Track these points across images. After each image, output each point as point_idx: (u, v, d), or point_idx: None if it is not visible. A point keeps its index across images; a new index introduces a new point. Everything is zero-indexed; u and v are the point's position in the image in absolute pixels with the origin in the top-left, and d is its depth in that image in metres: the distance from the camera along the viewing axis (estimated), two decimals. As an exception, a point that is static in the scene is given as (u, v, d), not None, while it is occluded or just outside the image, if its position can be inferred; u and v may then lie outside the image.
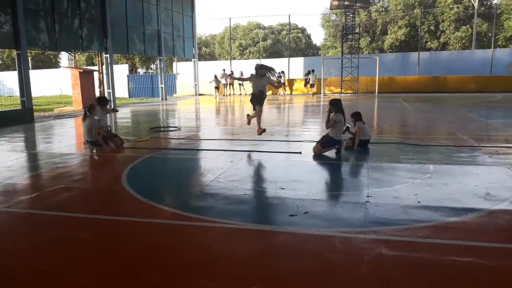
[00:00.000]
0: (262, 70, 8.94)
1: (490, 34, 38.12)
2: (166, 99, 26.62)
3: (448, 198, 4.99)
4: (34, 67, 47.79)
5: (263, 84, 8.97)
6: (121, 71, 35.82)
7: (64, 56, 51.96)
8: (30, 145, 10.55)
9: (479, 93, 24.73)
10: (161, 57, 26.36)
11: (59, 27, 17.22)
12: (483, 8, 39.06)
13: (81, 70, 20.62)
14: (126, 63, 45.10)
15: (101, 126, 8.97)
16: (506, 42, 39.15)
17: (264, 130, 9.14)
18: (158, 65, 27.91)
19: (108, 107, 9.82)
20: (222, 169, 6.75)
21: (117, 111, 12.28)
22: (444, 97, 22.53)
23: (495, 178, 5.83)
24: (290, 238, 3.96)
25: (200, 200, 5.22)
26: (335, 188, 5.96)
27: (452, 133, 10.13)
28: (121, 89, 33.91)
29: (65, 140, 10.73)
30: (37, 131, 12.66)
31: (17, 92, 16.46)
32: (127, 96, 34.66)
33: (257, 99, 9.04)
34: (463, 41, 38.71)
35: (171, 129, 12.17)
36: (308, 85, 28.71)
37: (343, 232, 4.04)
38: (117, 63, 44.90)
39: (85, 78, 20.62)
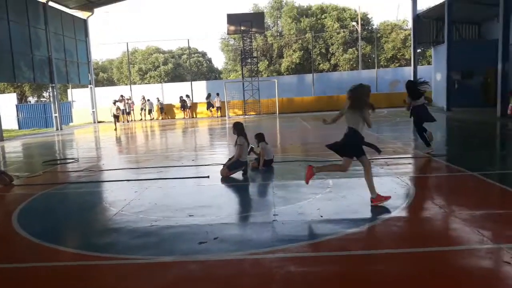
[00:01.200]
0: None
1: (373, 56, 42.02)
2: (61, 129, 24.90)
3: (348, 210, 5.32)
4: None
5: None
6: (8, 100, 32.97)
7: None
8: None
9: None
10: (53, 85, 24.69)
11: None
12: (365, 32, 43.04)
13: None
14: (14, 91, 41.57)
15: None
16: (387, 62, 43.47)
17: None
18: (51, 93, 26.08)
19: None
20: (125, 201, 6.46)
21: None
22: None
23: (387, 188, 6.34)
24: (200, 266, 3.89)
25: (103, 237, 4.92)
26: (243, 209, 6.02)
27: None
28: (10, 120, 31.11)
29: None
30: None
31: None
32: (17, 127, 31.87)
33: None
34: (351, 62, 42.10)
35: (68, 161, 11.38)
36: (214, 109, 29.14)
37: (253, 253, 4.08)
38: (3, 92, 41.24)
39: (-36, 110, 18.50)
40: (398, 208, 5.31)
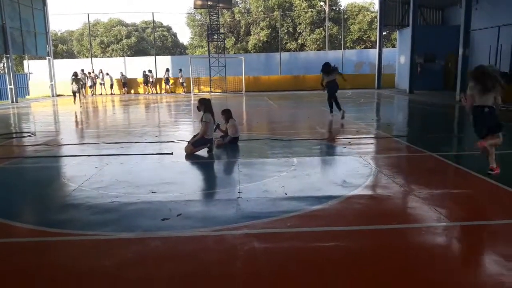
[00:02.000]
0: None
1: (340, 37, 42.32)
2: (17, 102, 23.77)
3: (311, 188, 5.36)
4: None
5: None
6: (-43, 70, 31.05)
7: None
8: None
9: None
10: (8, 55, 23.41)
11: None
12: (333, 13, 43.17)
13: None
14: (-35, 61, 39.19)
15: None
16: (353, 44, 43.91)
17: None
18: (5, 63, 24.75)
19: None
20: (85, 176, 6.25)
21: None
22: (303, 95, 24.33)
23: (349, 167, 6.45)
24: (163, 243, 3.83)
25: (62, 213, 4.75)
26: (208, 187, 5.96)
27: (312, 128, 10.95)
28: (-41, 91, 29.41)
29: None
30: None
31: None
32: (-33, 99, 30.15)
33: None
34: (318, 42, 42.25)
35: (24, 135, 10.89)
36: (170, 84, 29.43)
37: (217, 230, 4.05)
38: (-49, 61, 38.76)
39: None
40: (360, 186, 5.40)
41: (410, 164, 7.09)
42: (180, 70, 28.78)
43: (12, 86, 23.76)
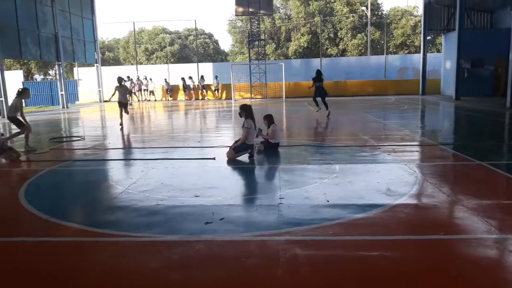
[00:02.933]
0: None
1: (382, 42, 41.55)
2: (67, 107, 24.92)
3: (354, 196, 5.29)
4: None
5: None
6: (15, 77, 32.92)
7: None
8: None
9: (376, 96, 26.76)
10: (59, 63, 24.61)
11: None
12: (375, 18, 42.47)
13: (-35, 77, 18.49)
14: (21, 68, 41.50)
15: None
16: (396, 48, 42.98)
17: None
18: (57, 70, 26.01)
19: None
20: (132, 180, 6.47)
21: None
22: (345, 101, 24.04)
23: (394, 175, 6.31)
24: (206, 246, 3.89)
25: (109, 214, 4.94)
26: (249, 192, 6.01)
27: (354, 134, 10.79)
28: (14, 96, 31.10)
29: None
30: None
31: None
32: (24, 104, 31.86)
33: None
34: (360, 47, 41.65)
35: (74, 139, 11.40)
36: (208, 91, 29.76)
37: (259, 235, 4.08)
38: (9, 68, 41.15)
39: (-29, 85, 18.52)
40: (405, 195, 5.27)
41: (457, 173, 6.85)
42: (216, 77, 29.34)
43: (63, 92, 24.94)
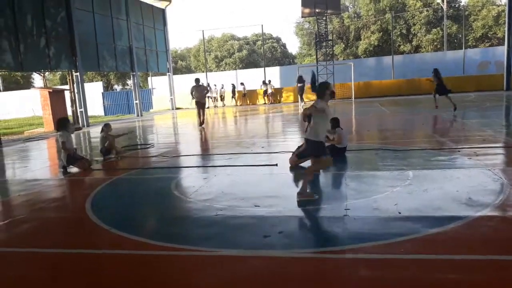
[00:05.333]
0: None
1: (460, 35, 38.90)
2: (141, 115, 26.10)
3: (429, 206, 4.75)
4: (6, 89, 46.71)
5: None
6: (95, 88, 35.25)
7: (37, 76, 50.79)
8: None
9: (454, 93, 24.91)
10: (134, 73, 25.88)
11: (24, 46, 16.64)
12: (451, 10, 39.87)
13: (51, 90, 20.00)
14: (101, 80, 44.41)
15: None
16: (475, 42, 40.01)
17: None
18: (132, 80, 27.38)
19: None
20: (194, 188, 6.41)
21: (80, 128, 11.75)
22: (419, 99, 22.65)
23: (476, 181, 5.63)
24: (263, 263, 3.63)
25: (169, 225, 4.86)
26: (312, 201, 5.65)
27: (430, 136, 9.99)
28: (97, 106, 33.29)
29: (32, 164, 10.22)
30: (2, 156, 12.06)
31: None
32: (103, 113, 34.00)
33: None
34: (435, 43, 39.34)
35: (144, 146, 11.75)
36: (267, 96, 29.57)
37: (320, 252, 3.75)
38: (91, 80, 44.23)
39: (56, 98, 19.98)
40: (489, 205, 4.64)
41: (553, 179, 5.97)
42: (266, 82, 29.52)
43: (137, 101, 26.17)
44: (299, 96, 23.33)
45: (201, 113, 15.00)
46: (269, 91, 29.13)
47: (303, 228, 4.46)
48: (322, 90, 5.05)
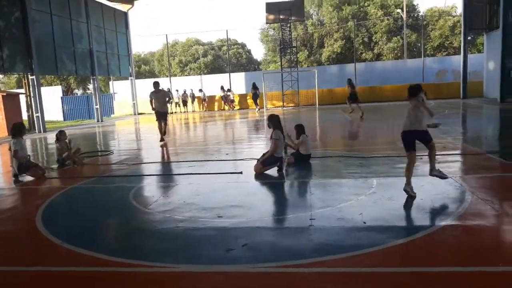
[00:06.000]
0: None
1: (419, 44, 40.15)
2: (102, 120, 25.30)
3: (394, 216, 4.71)
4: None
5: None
6: (54, 92, 33.96)
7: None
8: None
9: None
10: (94, 77, 25.08)
11: (-26, 47, 15.75)
12: (411, 20, 41.14)
13: (4, 94, 19.06)
14: (60, 84, 42.89)
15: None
16: (433, 51, 41.42)
17: None
18: (92, 85, 26.53)
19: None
20: (153, 198, 6.14)
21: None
22: (381, 106, 23.14)
23: (438, 189, 5.66)
24: (225, 279, 3.44)
25: (126, 239, 4.59)
26: (276, 211, 5.50)
27: (392, 143, 10.09)
28: (55, 111, 32.06)
29: (-20, 173, 9.59)
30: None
31: None
32: (62, 119, 32.79)
33: None
34: (395, 51, 40.41)
35: (103, 153, 11.29)
36: (226, 102, 29.39)
37: (285, 266, 3.59)
38: (50, 84, 42.62)
39: (10, 102, 19.09)
40: (452, 214, 4.64)
41: (511, 186, 6.10)
42: (201, 90, 29.56)
43: (98, 106, 25.37)
44: (253, 102, 25.83)
45: (163, 125, 12.48)
46: (231, 97, 28.87)
47: (268, 240, 4.28)
48: (416, 91, 5.62)
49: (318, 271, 3.45)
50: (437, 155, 7.91)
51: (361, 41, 40.91)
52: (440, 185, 5.85)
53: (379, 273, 3.40)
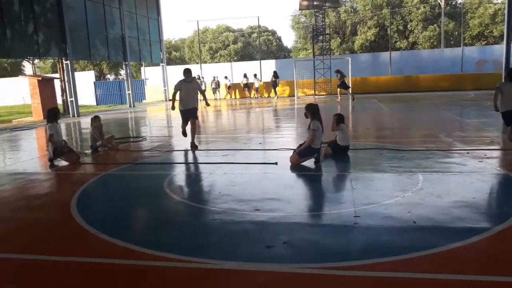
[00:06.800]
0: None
1: (456, 33, 38.61)
2: (134, 106, 25.49)
3: (446, 216, 4.35)
4: (-4, 76, 45.73)
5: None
6: (87, 77, 34.46)
7: (28, 64, 49.67)
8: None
9: (452, 91, 24.69)
10: (126, 63, 25.22)
11: (11, 32, 15.96)
12: (449, 8, 39.53)
13: (40, 78, 19.35)
14: (93, 69, 43.54)
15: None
16: (472, 40, 39.75)
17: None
18: (125, 70, 26.72)
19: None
20: (188, 187, 5.98)
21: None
22: (418, 96, 22.34)
23: (492, 188, 5.27)
24: (268, 280, 3.21)
25: (159, 231, 4.41)
26: (317, 206, 5.24)
27: (434, 135, 9.62)
28: (89, 96, 32.56)
29: (16, 156, 9.70)
30: (-13, 147, 11.49)
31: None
32: (95, 103, 33.28)
33: None
34: (432, 40, 39.00)
35: (135, 139, 11.25)
36: (248, 89, 28.79)
37: (331, 268, 3.33)
38: (83, 69, 43.35)
39: (45, 86, 19.36)
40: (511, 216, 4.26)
41: None
42: (226, 77, 29.03)
43: (129, 92, 25.54)
44: (273, 90, 26.70)
45: (190, 125, 9.09)
46: (256, 85, 28.34)
47: (309, 238, 4.02)
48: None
49: (368, 275, 3.18)
50: (487, 149, 7.49)
51: (395, 29, 39.65)
52: (494, 183, 5.44)
53: (433, 280, 3.09)
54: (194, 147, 8.99)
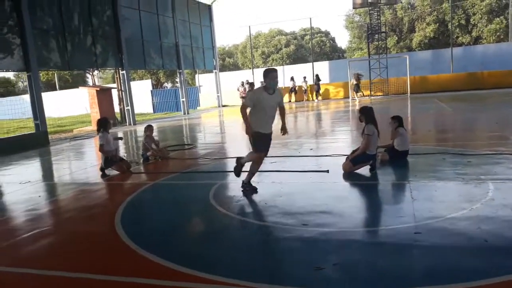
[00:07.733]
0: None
1: (526, 24, 35.76)
2: (188, 113, 25.88)
3: (526, 233, 3.75)
4: (62, 88, 48.57)
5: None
6: (144, 86, 35.61)
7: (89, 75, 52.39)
8: (31, 174, 9.62)
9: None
10: (180, 70, 25.69)
11: (71, 45, 16.67)
12: (517, -3, 36.76)
13: (98, 89, 20.15)
14: (151, 78, 45.00)
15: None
16: (544, 32, 36.67)
17: None
18: (179, 78, 27.23)
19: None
20: (234, 198, 5.71)
21: (121, 139, 11.34)
22: (483, 94, 20.78)
23: None
24: (314, 311, 2.84)
25: (202, 247, 4.15)
26: (371, 221, 4.75)
27: (504, 137, 8.71)
28: (146, 104, 33.61)
29: (71, 166, 9.97)
30: (47, 157, 11.96)
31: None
32: (152, 111, 34.30)
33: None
34: (498, 33, 36.43)
35: (185, 147, 11.23)
36: (293, 93, 28.21)
37: (389, 297, 2.90)
38: (141, 78, 44.94)
39: (103, 96, 20.13)
40: None
41: None
42: (292, 79, 28.19)
43: (184, 99, 25.98)
44: (315, 93, 27.25)
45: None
46: (304, 87, 27.96)
47: (363, 259, 3.59)
48: None
49: (433, 308, 2.72)
50: None
51: (457, 23, 37.47)
52: None
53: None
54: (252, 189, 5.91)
